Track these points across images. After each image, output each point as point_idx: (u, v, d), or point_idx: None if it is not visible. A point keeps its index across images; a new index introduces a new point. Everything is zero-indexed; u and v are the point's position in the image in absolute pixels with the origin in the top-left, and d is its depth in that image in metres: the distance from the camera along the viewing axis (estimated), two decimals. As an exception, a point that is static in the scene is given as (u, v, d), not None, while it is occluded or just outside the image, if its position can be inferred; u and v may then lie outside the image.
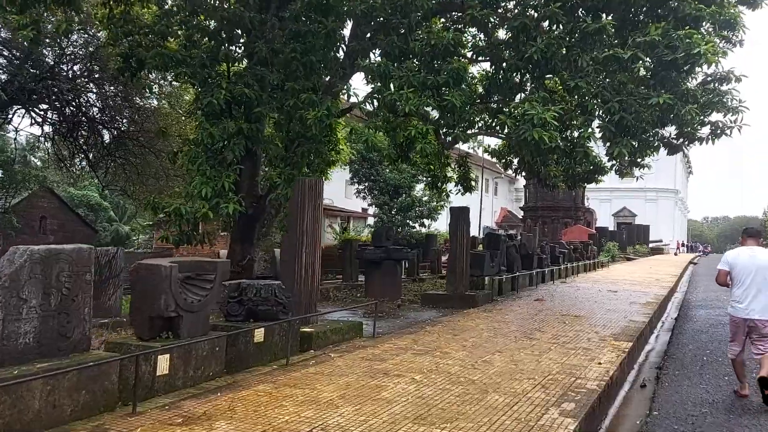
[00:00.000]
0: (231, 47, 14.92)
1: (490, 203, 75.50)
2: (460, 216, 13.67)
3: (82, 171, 27.58)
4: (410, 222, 39.27)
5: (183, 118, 21.84)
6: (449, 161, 21.87)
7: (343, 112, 16.35)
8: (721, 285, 7.23)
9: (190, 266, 5.98)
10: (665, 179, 73.63)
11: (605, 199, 76.03)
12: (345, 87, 14.90)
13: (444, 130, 19.08)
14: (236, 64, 15.46)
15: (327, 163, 21.42)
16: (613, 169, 17.82)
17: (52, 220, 28.36)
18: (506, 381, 6.45)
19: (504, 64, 13.93)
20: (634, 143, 13.32)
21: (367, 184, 38.04)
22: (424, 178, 23.79)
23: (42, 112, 22.93)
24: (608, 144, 12.95)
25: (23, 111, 21.40)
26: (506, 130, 12.90)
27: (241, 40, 15.33)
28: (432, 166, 22.18)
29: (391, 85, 12.83)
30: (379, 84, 13.56)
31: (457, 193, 35.92)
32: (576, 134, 13.58)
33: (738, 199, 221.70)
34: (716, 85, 12.55)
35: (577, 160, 15.77)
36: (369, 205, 39.82)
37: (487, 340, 8.89)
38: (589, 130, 12.63)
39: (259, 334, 6.80)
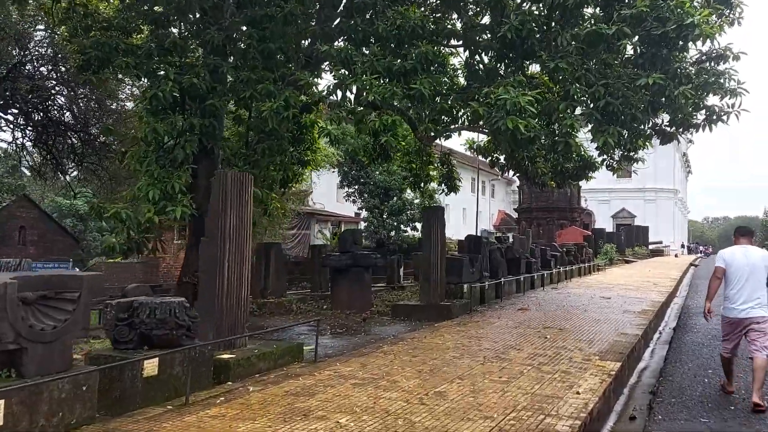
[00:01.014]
0: (181, 35, 13.63)
1: (487, 206, 74.28)
2: (432, 217, 12.35)
3: (54, 178, 26.36)
4: (402, 225, 38.01)
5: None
6: (431, 159, 20.61)
7: (306, 107, 15.06)
8: (713, 285, 7.19)
9: (39, 282, 4.65)
10: (664, 179, 72.35)
11: (604, 200, 74.69)
12: (312, 78, 13.52)
13: (425, 125, 17.85)
14: (188, 53, 14.16)
15: (300, 163, 20.19)
16: (604, 164, 16.61)
17: (32, 231, 27.19)
18: (455, 422, 5.11)
19: (479, 48, 12.65)
20: (623, 132, 12.02)
21: (356, 187, 36.76)
22: (406, 179, 22.50)
23: (12, 117, 21.73)
24: (594, 134, 11.72)
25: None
26: (481, 121, 11.58)
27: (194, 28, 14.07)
28: (413, 165, 20.91)
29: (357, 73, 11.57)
30: (342, 71, 12.29)
31: (441, 193, 34.53)
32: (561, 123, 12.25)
33: (737, 199, 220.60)
34: (712, 64, 11.26)
35: (561, 153, 14.45)
36: (359, 209, 38.50)
37: (449, 362, 7.55)
38: (572, 117, 11.26)
39: (150, 366, 5.45)
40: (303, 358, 7.58)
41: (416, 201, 37.96)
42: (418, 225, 38.92)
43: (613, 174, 17.53)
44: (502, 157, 18.74)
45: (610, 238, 44.65)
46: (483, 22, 13.51)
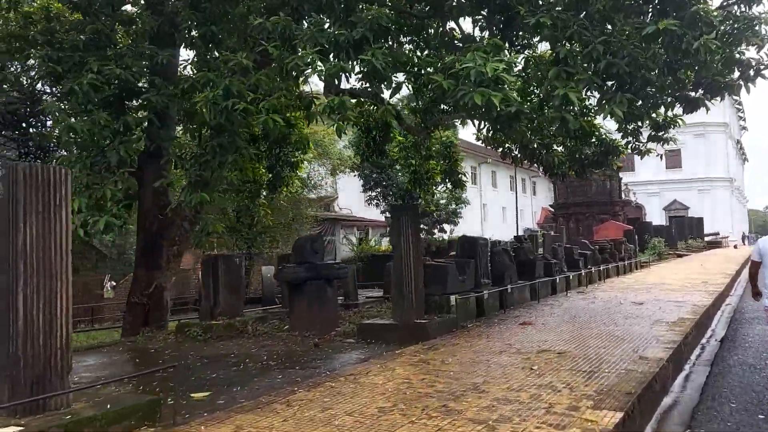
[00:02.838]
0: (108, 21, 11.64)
1: (529, 204, 71.11)
2: (403, 215, 9.95)
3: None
4: (427, 228, 35.72)
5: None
6: (431, 153, 18.23)
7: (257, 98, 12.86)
8: (751, 276, 7.00)
9: None
10: (717, 168, 67.88)
11: (653, 193, 70.45)
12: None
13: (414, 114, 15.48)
14: (118, 44, 12.19)
15: (288, 165, 18.02)
16: (629, 147, 14.02)
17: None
18: None
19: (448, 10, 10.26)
20: (634, 100, 9.48)
21: (378, 190, 34.68)
22: (406, 175, 20.16)
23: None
24: (598, 105, 9.26)
25: None
26: (446, 98, 9.16)
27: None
28: (413, 161, 18.56)
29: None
30: (281, 49, 10.09)
31: (444, 190, 31.78)
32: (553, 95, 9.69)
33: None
34: (742, 8, 8.67)
35: (558, 132, 11.90)
36: (382, 212, 36.40)
37: (368, 418, 5.19)
38: (567, 86, 8.69)
39: None
40: (158, 418, 5.30)
41: (442, 202, 35.65)
42: (446, 226, 36.57)
43: (640, 158, 14.83)
44: (515, 147, 16.36)
45: (658, 231, 41.23)
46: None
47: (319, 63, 9.25)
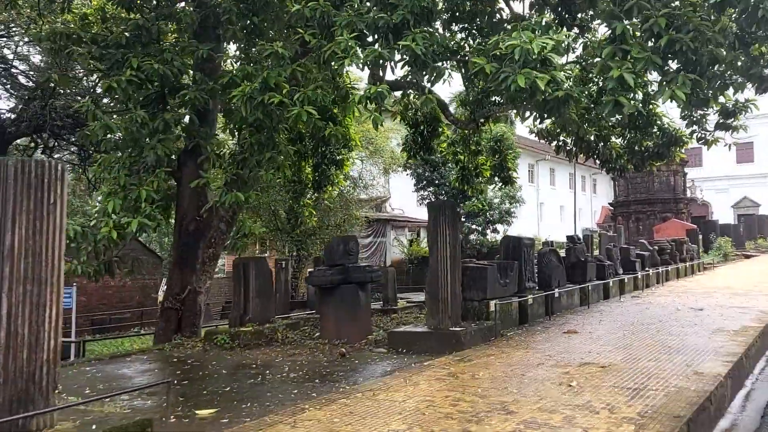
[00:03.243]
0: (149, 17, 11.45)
1: (589, 202, 69.01)
2: (441, 213, 9.37)
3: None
4: (479, 229, 34.99)
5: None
6: (479, 148, 17.49)
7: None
8: None
9: None
10: (792, 162, 64.22)
11: (722, 189, 66.97)
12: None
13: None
14: (161, 39, 11.99)
15: (334, 164, 17.61)
16: (694, 137, 13.02)
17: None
18: None
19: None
20: (701, 81, 8.67)
21: (431, 189, 34.16)
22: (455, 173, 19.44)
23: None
24: (659, 87, 8.49)
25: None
26: (487, 82, 8.52)
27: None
28: (461, 157, 17.87)
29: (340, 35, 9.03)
30: (319, 37, 9.73)
31: (497, 189, 30.76)
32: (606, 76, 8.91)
33: None
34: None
35: (612, 117, 11.04)
36: (433, 213, 35.55)
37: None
38: (622, 66, 7.94)
39: None
40: (153, 439, 4.92)
41: (495, 201, 34.77)
42: (500, 227, 35.62)
43: (707, 149, 13.79)
44: (569, 140, 15.56)
45: (725, 230, 39.14)
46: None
47: (358, 50, 8.83)
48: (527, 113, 9.60)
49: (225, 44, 13.07)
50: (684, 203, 36.74)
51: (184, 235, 12.27)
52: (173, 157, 12.13)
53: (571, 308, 12.87)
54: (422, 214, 38.54)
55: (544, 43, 7.44)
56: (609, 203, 42.68)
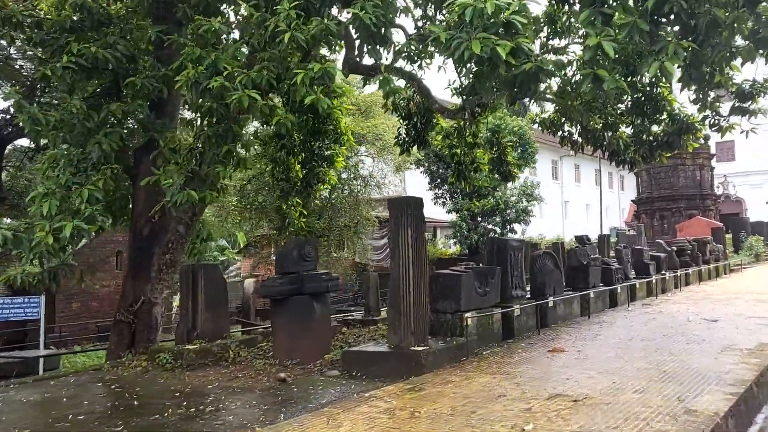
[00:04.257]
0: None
1: (616, 200, 66.87)
2: (403, 212, 8.14)
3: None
4: (497, 228, 33.58)
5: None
6: (477, 141, 16.16)
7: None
8: None
9: None
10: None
11: (756, 185, 63.89)
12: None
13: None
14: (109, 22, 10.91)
15: (324, 160, 16.51)
16: (707, 122, 11.68)
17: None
18: None
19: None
20: (701, 51, 7.35)
21: (446, 187, 32.88)
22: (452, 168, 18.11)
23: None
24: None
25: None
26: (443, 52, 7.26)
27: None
28: (457, 150, 16.57)
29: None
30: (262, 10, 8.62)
31: (512, 185, 29.17)
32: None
33: None
34: None
35: (592, 95, 9.66)
36: (448, 211, 34.48)
37: None
38: (605, 33, 6.63)
39: None
40: None
41: (512, 199, 33.33)
42: (517, 227, 34.11)
43: (721, 136, 12.35)
44: (575, 131, 14.27)
45: (757, 228, 37.00)
46: None
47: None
48: (494, 91, 8.35)
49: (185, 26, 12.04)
50: (711, 199, 34.79)
51: (138, 240, 11.23)
52: (130, 153, 11.17)
53: (569, 319, 11.52)
54: (438, 213, 37.35)
55: (500, 4, 6.18)
56: (632, 200, 40.84)
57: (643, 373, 6.94)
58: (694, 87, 10.03)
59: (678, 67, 8.47)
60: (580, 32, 10.74)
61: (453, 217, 32.98)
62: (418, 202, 8.39)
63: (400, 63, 10.94)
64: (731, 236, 34.15)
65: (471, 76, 7.71)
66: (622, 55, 9.76)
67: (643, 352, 8.15)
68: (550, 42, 12.31)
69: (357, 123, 26.01)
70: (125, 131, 10.81)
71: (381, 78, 8.33)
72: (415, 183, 36.87)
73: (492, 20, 6.43)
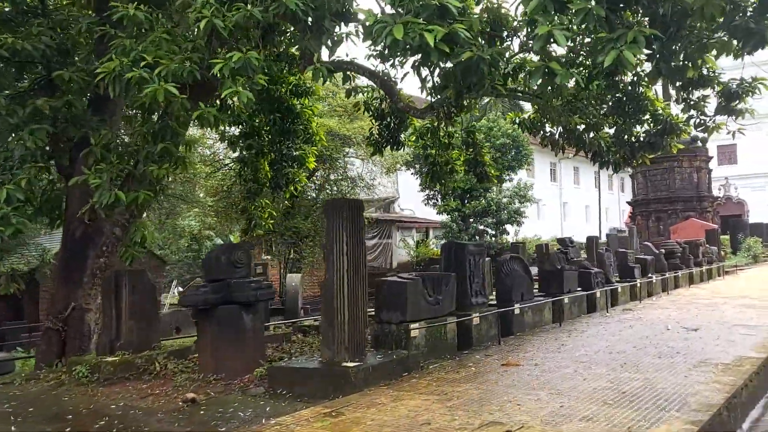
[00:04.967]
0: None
1: (616, 202, 65.98)
2: (338, 215, 7.26)
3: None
4: (488, 229, 32.77)
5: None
6: (451, 141, 15.35)
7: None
8: None
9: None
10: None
11: (759, 187, 62.82)
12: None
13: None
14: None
15: (294, 161, 15.67)
16: (692, 122, 10.94)
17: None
18: None
19: None
20: (669, 40, 6.51)
21: (437, 188, 32.08)
22: (423, 169, 17.31)
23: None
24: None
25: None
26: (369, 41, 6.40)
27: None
28: (432, 151, 15.70)
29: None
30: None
31: (500, 186, 28.29)
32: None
33: None
34: None
35: (539, 91, 8.85)
36: (438, 212, 33.72)
37: None
38: (553, 23, 5.80)
39: None
40: None
41: (504, 200, 32.48)
42: (509, 227, 33.26)
43: (708, 136, 11.58)
44: (556, 131, 13.41)
45: (756, 230, 36.12)
46: None
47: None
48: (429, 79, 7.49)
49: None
50: (709, 201, 33.83)
51: (70, 242, 10.36)
52: (66, 151, 10.34)
53: (539, 327, 10.62)
54: (430, 214, 36.49)
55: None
56: (627, 202, 39.95)
57: (599, 394, 6.04)
58: (678, 85, 9.29)
59: (649, 62, 7.67)
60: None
61: (444, 217, 32.26)
62: (355, 205, 7.52)
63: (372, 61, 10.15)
64: (729, 238, 33.24)
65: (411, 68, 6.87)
66: (587, 49, 9.09)
67: (606, 367, 7.25)
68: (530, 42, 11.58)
69: (343, 125, 25.25)
70: (57, 128, 10.02)
71: (313, 68, 7.50)
72: (409, 184, 36.00)
73: (421, 2, 5.61)
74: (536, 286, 12.00)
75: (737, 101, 9.36)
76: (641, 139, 12.20)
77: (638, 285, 14.65)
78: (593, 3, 5.60)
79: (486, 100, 18.48)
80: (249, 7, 7.02)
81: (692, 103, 10.25)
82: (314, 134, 15.64)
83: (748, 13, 6.68)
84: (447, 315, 8.65)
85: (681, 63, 7.54)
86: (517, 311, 10.07)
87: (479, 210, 31.89)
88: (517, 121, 13.48)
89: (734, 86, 9.20)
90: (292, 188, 17.36)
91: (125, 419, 6.04)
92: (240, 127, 14.37)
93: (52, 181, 10.76)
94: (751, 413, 6.35)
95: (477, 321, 9.11)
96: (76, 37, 10.17)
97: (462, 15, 6.21)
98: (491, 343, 9.18)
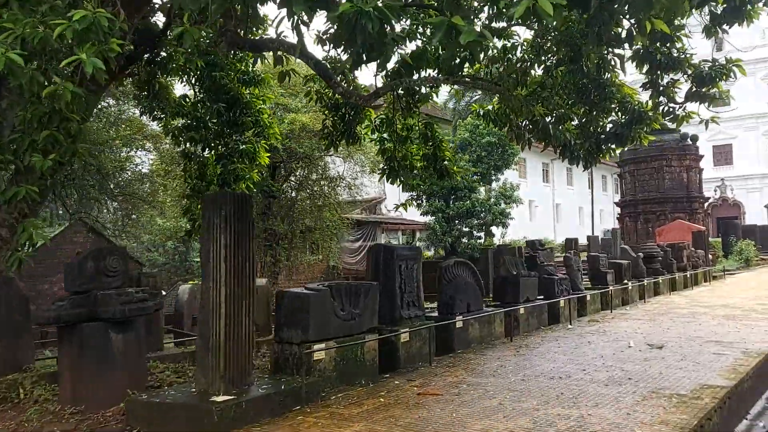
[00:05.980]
0: None
1: (610, 202, 64.84)
2: (216, 214, 5.99)
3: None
4: (474, 231, 31.46)
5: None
6: (410, 134, 14.12)
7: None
8: None
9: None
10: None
11: (754, 188, 61.69)
12: None
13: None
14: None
15: (243, 156, 14.39)
16: (661, 110, 9.80)
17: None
18: None
19: None
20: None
21: (397, 184, 30.76)
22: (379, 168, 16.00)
23: None
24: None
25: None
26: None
27: None
28: (389, 146, 14.42)
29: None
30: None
31: (492, 189, 27.19)
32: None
33: None
34: None
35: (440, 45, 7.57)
36: (422, 213, 32.43)
37: None
38: None
39: None
40: None
41: (490, 201, 31.20)
42: (495, 229, 32.00)
43: (677, 126, 10.36)
44: (522, 124, 12.18)
45: (748, 232, 34.83)
46: None
47: None
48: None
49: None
50: (699, 202, 32.56)
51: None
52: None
53: (486, 342, 9.34)
54: (418, 215, 35.27)
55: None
56: (615, 202, 38.72)
57: (514, 439, 4.78)
58: (644, 67, 8.26)
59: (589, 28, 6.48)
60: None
61: (429, 218, 31.09)
62: (240, 199, 6.23)
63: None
64: (721, 240, 31.99)
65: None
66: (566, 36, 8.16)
67: (539, 399, 5.97)
68: (493, 24, 10.44)
69: (318, 120, 24.02)
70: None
71: (182, 30, 6.22)
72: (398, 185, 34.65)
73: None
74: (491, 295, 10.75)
75: (710, 86, 8.29)
76: (607, 129, 11.03)
77: (610, 292, 13.36)
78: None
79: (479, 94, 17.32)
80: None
81: (661, 89, 9.12)
82: (266, 127, 14.31)
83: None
84: (367, 332, 7.37)
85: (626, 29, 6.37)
86: (459, 324, 8.80)
87: (463, 211, 30.64)
88: (481, 112, 12.30)
89: (706, 68, 8.13)
90: (243, 186, 16.04)
91: None
92: (184, 119, 13.11)
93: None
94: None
95: (406, 338, 7.84)
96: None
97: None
98: (422, 363, 7.91)
